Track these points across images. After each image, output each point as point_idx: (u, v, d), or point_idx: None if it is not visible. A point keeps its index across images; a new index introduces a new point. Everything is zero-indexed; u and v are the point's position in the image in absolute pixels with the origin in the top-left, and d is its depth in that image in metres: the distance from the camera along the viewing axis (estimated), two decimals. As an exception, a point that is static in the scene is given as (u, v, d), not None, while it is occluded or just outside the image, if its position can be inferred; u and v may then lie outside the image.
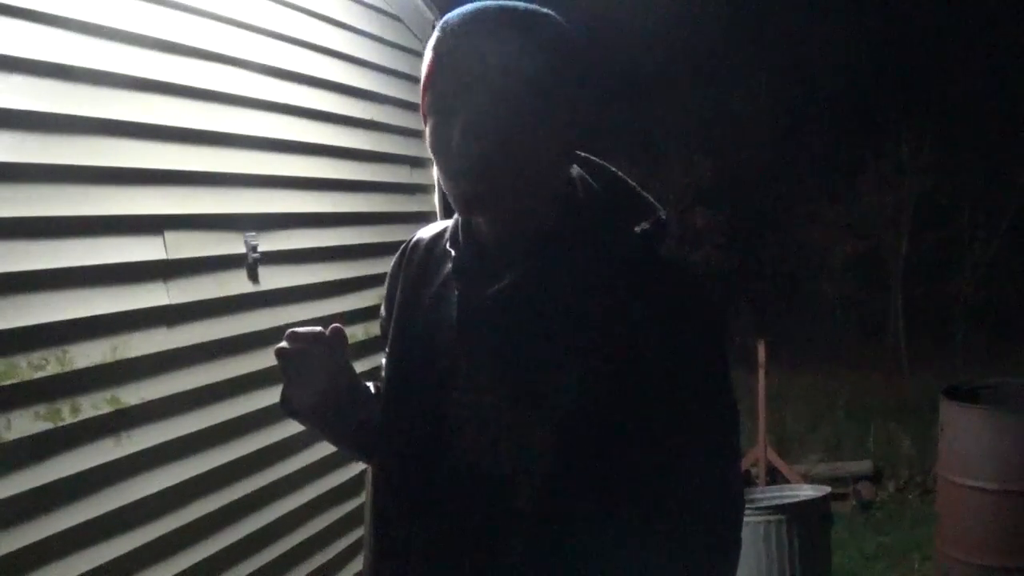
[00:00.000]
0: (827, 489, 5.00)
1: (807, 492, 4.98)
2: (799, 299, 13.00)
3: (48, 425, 2.27)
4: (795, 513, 4.55)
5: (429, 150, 1.27)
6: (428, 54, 1.26)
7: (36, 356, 2.25)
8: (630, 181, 1.36)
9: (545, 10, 1.27)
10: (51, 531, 2.25)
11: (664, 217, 1.32)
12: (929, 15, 12.70)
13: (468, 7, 1.26)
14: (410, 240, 1.46)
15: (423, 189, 4.50)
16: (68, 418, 2.32)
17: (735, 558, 1.29)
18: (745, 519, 5.15)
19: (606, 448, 1.20)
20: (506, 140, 1.20)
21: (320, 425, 1.43)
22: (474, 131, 1.20)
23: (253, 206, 3.15)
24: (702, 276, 1.32)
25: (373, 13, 4.04)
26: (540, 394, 1.21)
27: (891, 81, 12.97)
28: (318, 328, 1.32)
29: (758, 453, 6.49)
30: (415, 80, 4.46)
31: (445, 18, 1.26)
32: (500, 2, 1.25)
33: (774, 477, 6.42)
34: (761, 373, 6.48)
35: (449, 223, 1.41)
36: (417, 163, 4.39)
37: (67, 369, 2.33)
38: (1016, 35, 11.91)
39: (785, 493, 5.05)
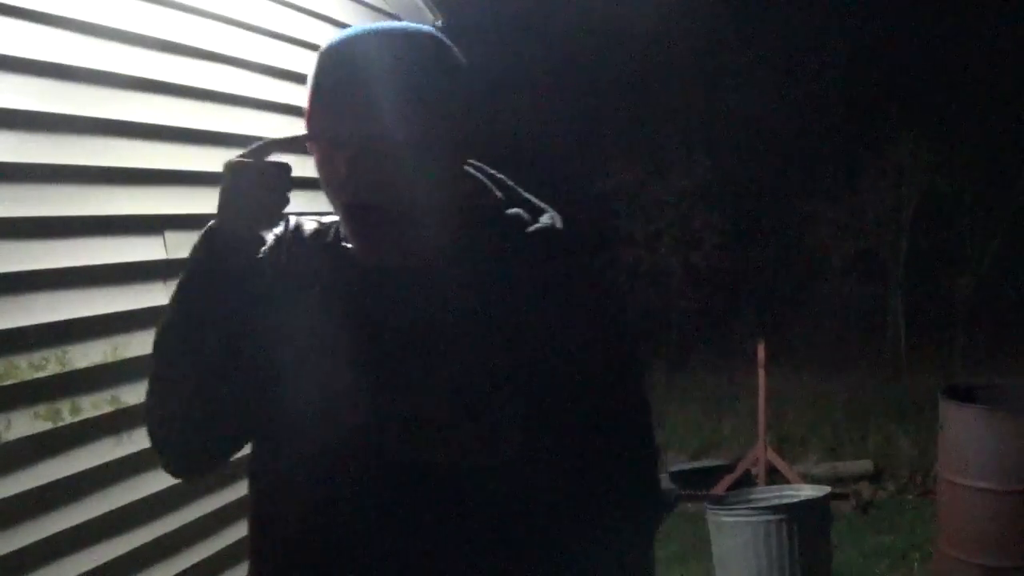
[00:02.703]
0: (827, 489, 5.00)
1: (807, 492, 4.98)
2: (799, 299, 13.00)
3: (48, 425, 2.27)
4: (795, 513, 4.55)
5: (320, 179, 1.28)
6: (308, 82, 1.26)
7: (36, 356, 2.25)
8: (519, 188, 1.40)
9: (422, 28, 1.28)
10: (51, 531, 2.25)
11: (557, 217, 1.35)
12: (929, 15, 12.71)
13: (346, 32, 1.26)
14: (288, 226, 1.40)
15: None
16: (68, 418, 2.33)
17: (648, 532, 1.34)
18: (745, 519, 5.17)
19: (526, 439, 1.22)
20: (392, 175, 1.21)
21: (232, 274, 1.28)
22: (360, 166, 1.21)
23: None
24: (604, 271, 1.34)
25: (373, 13, 4.04)
26: (459, 388, 1.23)
27: (891, 81, 12.97)
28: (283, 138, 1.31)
29: (758, 453, 6.49)
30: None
31: (325, 45, 1.27)
32: (378, 24, 1.27)
33: (774, 477, 6.42)
34: (761, 373, 6.48)
35: (334, 218, 1.38)
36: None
37: (67, 369, 2.33)
38: (1016, 35, 11.92)
39: (785, 493, 5.05)
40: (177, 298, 1.31)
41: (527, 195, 1.38)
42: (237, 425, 1.34)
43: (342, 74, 1.22)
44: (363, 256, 1.29)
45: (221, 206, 1.28)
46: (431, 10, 4.31)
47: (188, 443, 1.36)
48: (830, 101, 13.46)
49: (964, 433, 4.37)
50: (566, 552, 1.25)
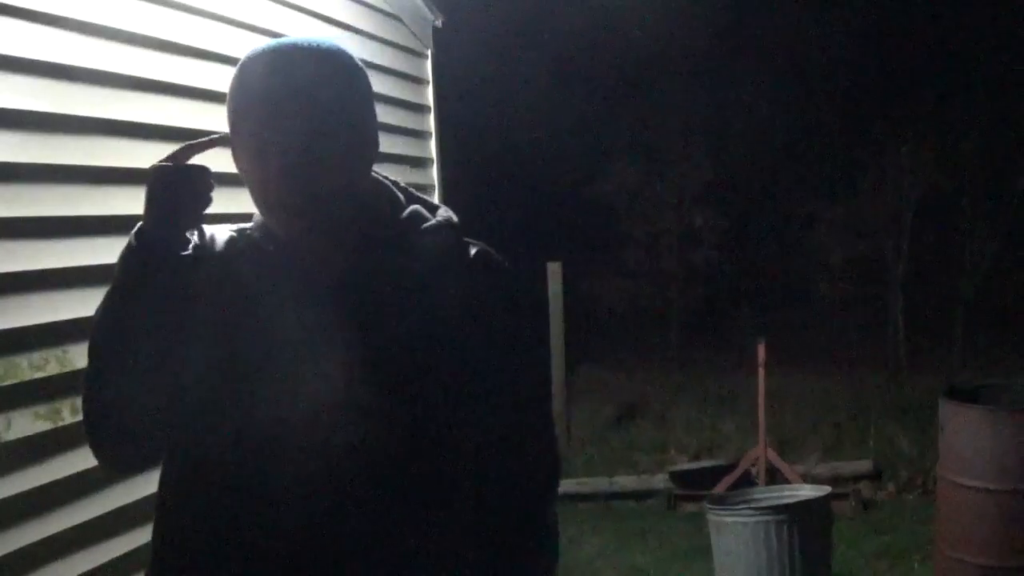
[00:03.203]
0: (827, 489, 5.00)
1: (807, 492, 4.98)
2: (799, 299, 13.00)
3: (48, 425, 2.27)
4: (795, 513, 4.55)
5: (245, 181, 1.37)
6: (230, 95, 1.39)
7: (36, 356, 2.25)
8: (411, 189, 1.52)
9: (330, 41, 1.39)
10: (51, 531, 2.25)
11: (451, 213, 1.46)
12: (929, 15, 12.72)
13: (264, 46, 1.38)
14: (204, 237, 1.46)
15: (423, 189, 4.49)
16: (68, 418, 2.33)
17: (546, 527, 1.42)
18: (745, 519, 5.16)
19: (441, 423, 1.32)
20: (319, 177, 1.31)
21: (160, 277, 1.34)
22: (290, 171, 1.30)
23: (254, 205, 3.15)
24: (502, 260, 1.45)
25: (373, 13, 4.04)
26: (378, 376, 1.31)
27: (891, 81, 12.98)
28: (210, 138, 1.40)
29: (758, 453, 6.49)
30: (415, 80, 4.47)
31: (243, 58, 1.38)
32: (293, 39, 1.39)
33: (774, 477, 6.42)
34: (761, 373, 6.47)
35: (244, 224, 1.46)
36: (417, 163, 4.39)
37: (67, 369, 2.33)
38: (1016, 35, 11.92)
39: (785, 493, 5.05)
40: (109, 297, 1.37)
41: (422, 195, 1.51)
42: (167, 422, 1.38)
43: (269, 84, 1.33)
44: (285, 254, 1.38)
45: (146, 207, 1.35)
46: (431, 10, 4.31)
47: (123, 439, 1.41)
48: (831, 101, 13.46)
49: (964, 433, 4.37)
50: (469, 522, 1.35)
